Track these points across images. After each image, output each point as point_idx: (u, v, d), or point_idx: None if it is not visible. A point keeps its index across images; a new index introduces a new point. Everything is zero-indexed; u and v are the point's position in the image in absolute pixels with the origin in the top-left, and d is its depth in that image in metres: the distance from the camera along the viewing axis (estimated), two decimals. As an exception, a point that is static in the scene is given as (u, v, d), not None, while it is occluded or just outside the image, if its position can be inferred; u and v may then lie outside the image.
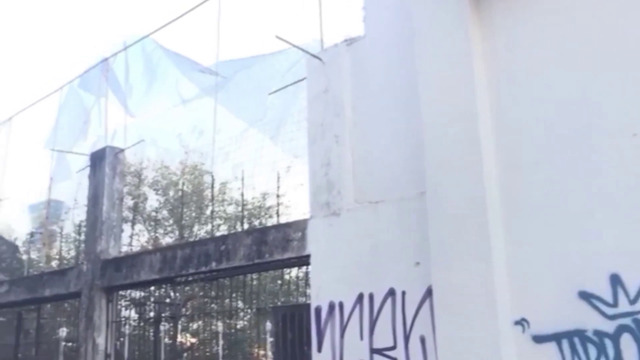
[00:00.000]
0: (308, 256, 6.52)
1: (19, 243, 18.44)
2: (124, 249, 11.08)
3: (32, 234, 14.05)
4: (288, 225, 7.02)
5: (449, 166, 5.08)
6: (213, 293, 17.22)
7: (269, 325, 7.94)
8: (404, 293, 5.57)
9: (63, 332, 16.23)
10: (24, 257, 18.46)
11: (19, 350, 11.42)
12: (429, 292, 5.27)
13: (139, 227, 18.87)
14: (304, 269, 9.65)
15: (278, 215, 7.98)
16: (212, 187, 10.73)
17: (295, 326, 6.87)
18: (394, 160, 5.97)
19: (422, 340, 5.36)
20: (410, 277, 5.52)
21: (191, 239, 16.90)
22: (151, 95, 9.79)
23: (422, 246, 5.29)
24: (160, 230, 19.32)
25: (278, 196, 7.95)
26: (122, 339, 9.81)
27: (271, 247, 7.08)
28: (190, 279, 8.49)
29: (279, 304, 14.59)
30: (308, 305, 6.43)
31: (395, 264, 5.67)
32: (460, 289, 4.80)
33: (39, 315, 11.20)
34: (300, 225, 6.76)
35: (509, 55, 5.11)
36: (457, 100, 5.12)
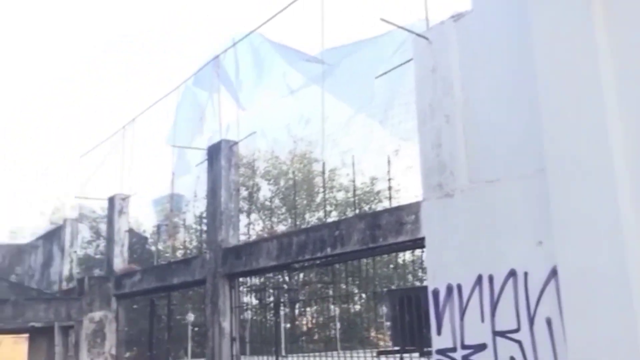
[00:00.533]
0: (422, 239, 6.47)
1: (146, 235, 19.83)
2: (241, 238, 11.55)
3: (158, 226, 15.02)
4: (401, 208, 6.99)
5: (571, 141, 4.81)
6: (327, 278, 17.60)
7: (384, 308, 7.96)
8: (526, 274, 5.38)
9: (190, 317, 17.26)
10: (152, 248, 19.83)
11: (153, 334, 12.27)
12: (553, 273, 5.05)
13: (253, 216, 19.61)
14: (416, 252, 9.59)
15: (390, 199, 7.95)
16: (324, 174, 10.87)
17: (412, 309, 6.85)
18: (509, 138, 5.75)
19: (549, 322, 5.15)
20: (532, 258, 5.32)
21: (303, 226, 17.37)
22: (260, 88, 10.11)
23: (544, 225, 5.07)
24: (274, 219, 19.96)
25: (389, 180, 7.93)
26: (244, 323, 10.28)
27: (385, 231, 7.09)
28: (306, 264, 8.70)
29: (393, 287, 14.62)
30: (425, 288, 6.39)
31: (515, 244, 5.48)
32: (589, 269, 4.55)
33: (169, 301, 11.97)
34: (413, 208, 6.71)
35: (635, 23, 4.73)
36: (579, 72, 4.82)
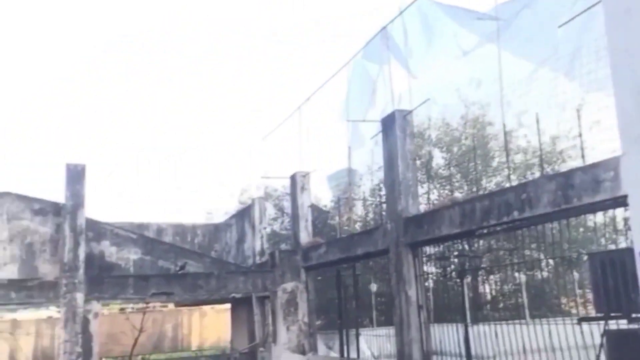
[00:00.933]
0: (624, 197, 5.95)
1: (327, 210, 20.68)
2: (420, 207, 11.50)
3: (339, 200, 15.57)
4: (596, 165, 6.47)
5: None
6: (509, 244, 16.95)
7: (575, 274, 7.48)
8: None
9: (373, 287, 17.69)
10: (331, 222, 20.64)
11: (341, 303, 12.81)
12: None
13: (428, 185, 19.47)
14: (610, 213, 8.85)
15: (583, 157, 7.39)
16: (505, 135, 10.39)
17: (616, 273, 6.35)
18: None
19: None
20: None
21: (480, 193, 16.86)
22: (431, 54, 9.91)
23: None
24: (449, 187, 19.65)
25: (580, 135, 7.37)
26: (427, 293, 10.29)
27: (579, 191, 6.64)
28: (491, 230, 8.45)
29: (584, 251, 13.67)
30: (630, 250, 5.88)
31: None
32: None
33: (354, 271, 12.38)
34: (610, 164, 6.19)
35: None
36: None
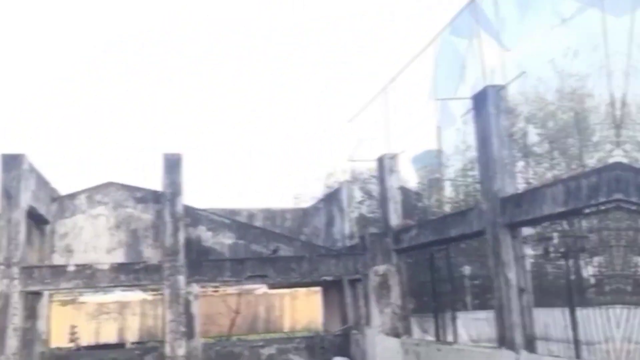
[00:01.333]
0: None
1: (417, 191, 20.32)
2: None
3: (429, 181, 15.24)
4: None
5: None
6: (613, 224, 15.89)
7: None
8: None
9: (466, 270, 17.28)
10: (419, 204, 20.25)
11: (435, 286, 12.56)
12: None
13: (526, 163, 18.67)
14: None
15: None
16: (614, 106, 9.62)
17: None
18: None
19: None
20: None
21: (581, 169, 15.93)
22: (525, 24, 9.36)
23: None
24: (546, 164, 18.73)
25: None
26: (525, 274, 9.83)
27: (701, 163, 6.08)
28: (600, 209, 7.93)
29: None
30: None
31: None
32: None
33: (447, 254, 12.04)
34: None
35: None
36: None
